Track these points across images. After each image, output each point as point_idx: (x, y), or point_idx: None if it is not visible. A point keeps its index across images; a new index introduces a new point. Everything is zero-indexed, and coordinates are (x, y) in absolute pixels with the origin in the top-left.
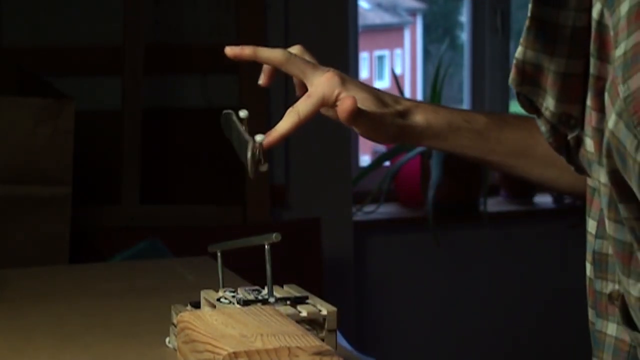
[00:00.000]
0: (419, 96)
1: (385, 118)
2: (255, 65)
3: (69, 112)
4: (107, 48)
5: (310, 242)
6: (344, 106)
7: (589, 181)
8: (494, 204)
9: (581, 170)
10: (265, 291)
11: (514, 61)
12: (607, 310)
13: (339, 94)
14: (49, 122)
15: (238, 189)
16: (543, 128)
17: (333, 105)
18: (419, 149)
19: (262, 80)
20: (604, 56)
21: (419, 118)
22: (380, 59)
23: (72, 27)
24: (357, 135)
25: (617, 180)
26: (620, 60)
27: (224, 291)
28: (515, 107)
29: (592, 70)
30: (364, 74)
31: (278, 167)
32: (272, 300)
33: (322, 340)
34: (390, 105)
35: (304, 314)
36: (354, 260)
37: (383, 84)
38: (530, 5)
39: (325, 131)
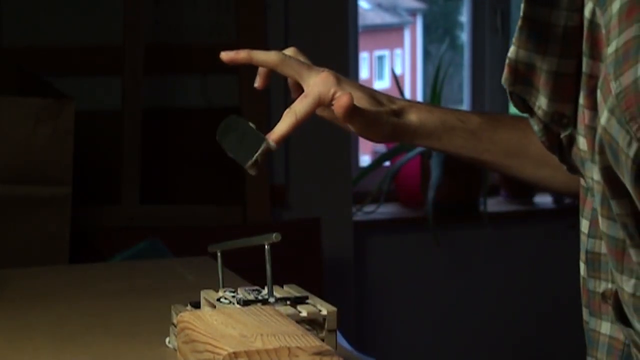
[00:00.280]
0: (419, 96)
1: (381, 116)
2: (255, 66)
3: (69, 112)
4: (107, 48)
5: (310, 242)
6: (341, 102)
7: (582, 181)
8: (494, 204)
9: (573, 170)
10: (265, 291)
11: (507, 61)
12: (600, 309)
13: (334, 93)
14: (49, 122)
15: (238, 189)
16: (536, 127)
17: (329, 104)
18: (419, 149)
19: (257, 83)
20: (596, 55)
21: (413, 117)
22: (380, 59)
23: (72, 27)
24: (357, 136)
25: (609, 176)
26: (612, 57)
27: (224, 291)
28: (515, 108)
29: (584, 68)
30: (364, 74)
31: (278, 167)
32: (272, 300)
33: (322, 340)
34: (385, 104)
35: (304, 314)
36: (354, 260)
37: (383, 84)
38: (522, 5)
39: (325, 131)
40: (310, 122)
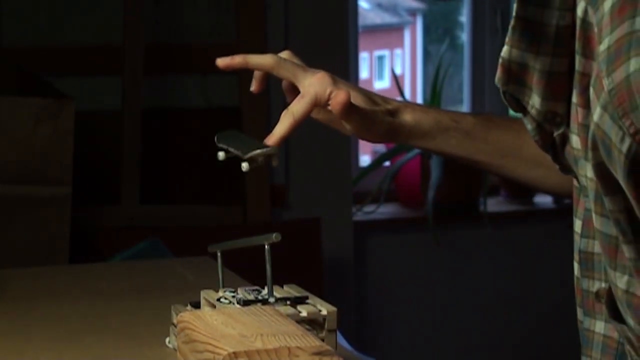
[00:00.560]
0: (419, 96)
1: (377, 115)
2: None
3: (69, 112)
4: (107, 48)
5: (310, 242)
6: (338, 99)
7: (575, 182)
8: (494, 204)
9: (566, 170)
10: (265, 291)
11: (500, 60)
12: (594, 308)
13: (330, 93)
14: (49, 122)
15: (238, 189)
16: (529, 126)
17: (325, 104)
18: None
19: (254, 87)
20: (588, 53)
21: (408, 117)
22: (380, 59)
23: (72, 27)
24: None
25: (602, 173)
26: (604, 54)
27: (224, 291)
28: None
29: (577, 67)
30: (364, 74)
31: (278, 167)
32: (272, 300)
33: (322, 340)
34: (380, 104)
35: (304, 314)
36: (354, 260)
37: (383, 84)
38: (515, 5)
39: (325, 131)
40: (310, 123)
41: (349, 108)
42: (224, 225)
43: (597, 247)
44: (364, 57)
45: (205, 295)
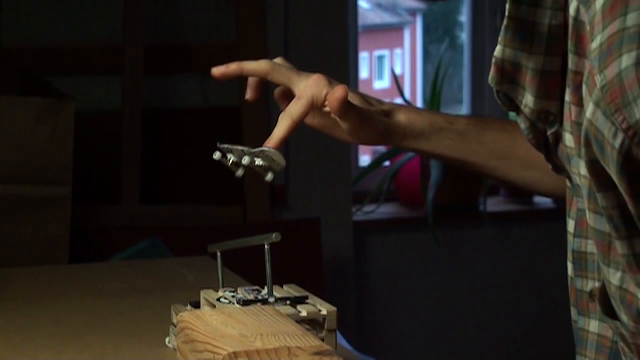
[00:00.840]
0: (419, 96)
1: (372, 114)
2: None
3: (69, 112)
4: (107, 48)
5: (310, 242)
6: (336, 95)
7: (568, 182)
8: (494, 204)
9: (559, 169)
10: (265, 291)
11: (493, 60)
12: (588, 308)
13: (327, 94)
14: (49, 122)
15: (238, 189)
16: (522, 125)
17: (322, 106)
18: None
19: (249, 95)
20: (581, 51)
21: (402, 117)
22: (380, 59)
23: (72, 27)
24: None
25: (595, 169)
26: (597, 51)
27: (224, 291)
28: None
29: (570, 65)
30: (364, 74)
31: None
32: (272, 300)
33: (322, 340)
34: (375, 105)
35: (304, 314)
36: (354, 260)
37: (383, 84)
38: (507, 5)
39: None
40: None
41: (346, 105)
42: (224, 225)
43: (590, 247)
44: (364, 57)
45: (205, 295)
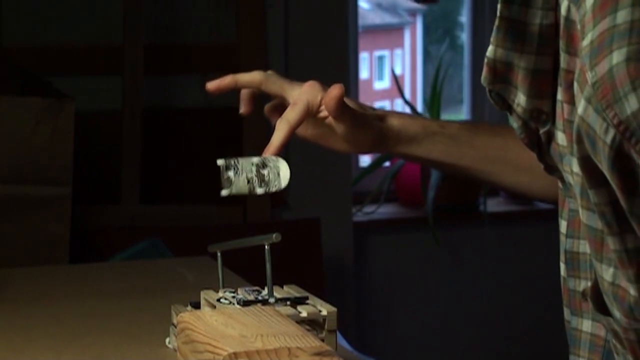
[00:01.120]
0: (419, 96)
1: (367, 118)
2: (256, 66)
3: (69, 112)
4: (107, 48)
5: (310, 242)
6: (333, 93)
7: (560, 183)
8: (494, 204)
9: (550, 170)
10: (265, 291)
11: (485, 60)
12: (581, 307)
13: (322, 98)
14: (49, 122)
15: None
16: (515, 124)
17: (317, 112)
18: None
19: (242, 109)
20: (572, 50)
21: (395, 121)
22: (380, 59)
23: (72, 27)
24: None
25: (587, 166)
26: (587, 49)
27: (224, 291)
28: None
29: (562, 64)
30: (364, 74)
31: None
32: (272, 300)
33: (322, 340)
34: (369, 110)
35: (304, 314)
36: (354, 260)
37: (383, 84)
38: (499, 5)
39: None
40: None
41: (343, 105)
42: (224, 225)
43: (582, 247)
44: (364, 57)
45: (205, 295)
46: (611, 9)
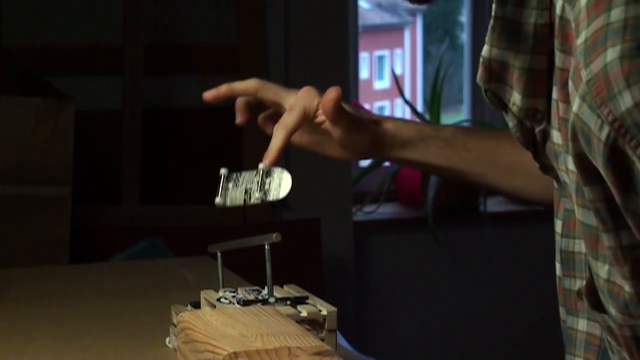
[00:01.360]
0: (419, 96)
1: (364, 120)
2: (256, 66)
3: (69, 112)
4: (107, 48)
5: (310, 242)
6: (330, 95)
7: (555, 183)
8: (494, 204)
9: (546, 169)
10: (265, 291)
11: (481, 59)
12: (576, 306)
13: (318, 103)
14: (49, 122)
15: None
16: (510, 123)
17: (314, 116)
18: None
19: (238, 119)
20: (567, 49)
21: (390, 125)
22: (380, 59)
23: (72, 27)
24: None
25: (582, 163)
26: (582, 47)
27: (224, 291)
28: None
29: (557, 63)
30: (364, 74)
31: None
32: (272, 300)
33: (322, 340)
34: (363, 115)
35: (304, 314)
36: (354, 260)
37: (383, 84)
38: (493, 6)
39: None
40: None
41: (340, 109)
42: (224, 225)
43: (577, 246)
44: (364, 57)
45: (205, 295)
46: (605, 7)
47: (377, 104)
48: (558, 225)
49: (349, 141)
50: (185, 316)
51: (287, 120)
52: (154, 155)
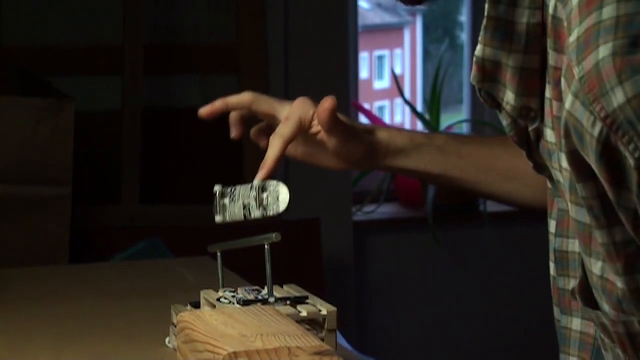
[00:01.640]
0: (419, 96)
1: (357, 130)
2: (256, 66)
3: (69, 112)
4: (107, 48)
5: (310, 242)
6: (325, 105)
7: (549, 184)
8: (494, 204)
9: (540, 168)
10: (265, 291)
11: (474, 59)
12: (570, 306)
13: (314, 113)
14: (49, 122)
15: None
16: (505, 122)
17: (309, 126)
18: None
19: (233, 134)
20: (560, 48)
21: (383, 135)
22: (380, 59)
23: (72, 27)
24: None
25: (575, 160)
26: (574, 45)
27: (224, 291)
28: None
29: (550, 62)
30: (364, 74)
31: (278, 167)
32: (272, 300)
33: (322, 340)
34: (358, 124)
35: (304, 314)
36: (354, 260)
37: (383, 84)
38: (486, 6)
39: None
40: None
41: (335, 119)
42: (224, 226)
43: (571, 246)
44: (364, 57)
45: (205, 295)
46: (597, 5)
47: (377, 104)
48: (552, 225)
49: (344, 151)
50: (185, 316)
51: (284, 130)
52: (154, 155)
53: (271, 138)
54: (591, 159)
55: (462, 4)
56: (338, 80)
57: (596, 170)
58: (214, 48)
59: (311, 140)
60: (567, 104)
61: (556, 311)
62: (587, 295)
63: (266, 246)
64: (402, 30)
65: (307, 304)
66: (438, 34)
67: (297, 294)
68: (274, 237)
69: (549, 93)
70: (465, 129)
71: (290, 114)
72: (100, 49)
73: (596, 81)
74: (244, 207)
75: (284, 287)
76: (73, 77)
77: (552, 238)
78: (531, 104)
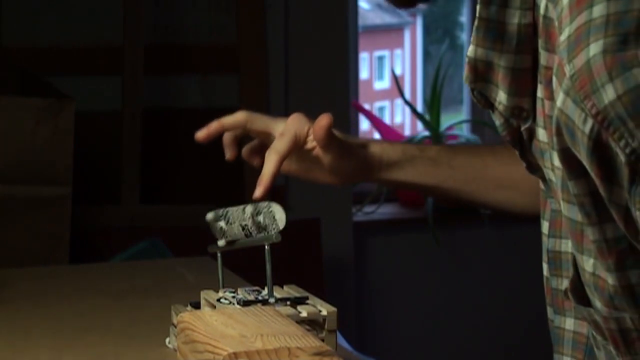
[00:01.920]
0: (419, 96)
1: (352, 146)
2: (256, 66)
3: (69, 112)
4: (107, 48)
5: (310, 242)
6: (322, 122)
7: (542, 185)
8: None
9: (532, 168)
10: (265, 291)
11: (466, 59)
12: (563, 306)
13: (309, 129)
14: (49, 122)
15: (238, 189)
16: (497, 122)
17: (304, 142)
18: None
19: (228, 155)
20: (551, 47)
21: (376, 148)
22: (380, 59)
23: (72, 27)
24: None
25: (567, 157)
26: (565, 43)
27: (224, 291)
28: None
29: (542, 61)
30: (364, 74)
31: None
32: (272, 300)
33: (322, 340)
34: (352, 139)
35: (304, 314)
36: (354, 260)
37: (383, 84)
38: (478, 7)
39: None
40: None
41: (331, 135)
42: None
43: (564, 246)
44: (364, 57)
45: (205, 295)
46: (587, 4)
47: (377, 105)
48: (544, 226)
49: (338, 166)
50: (185, 316)
51: (279, 145)
52: (154, 155)
53: (267, 154)
54: (582, 156)
55: (462, 4)
56: (338, 80)
57: (587, 167)
58: (214, 48)
59: (306, 155)
60: (559, 102)
61: (549, 311)
62: (579, 292)
63: (266, 246)
64: (402, 31)
65: (307, 304)
66: (438, 34)
67: (297, 295)
68: (274, 237)
69: (540, 92)
70: (465, 129)
71: (286, 129)
72: (100, 49)
73: (587, 78)
74: (242, 228)
75: (284, 287)
76: (73, 77)
77: (544, 239)
78: (523, 104)
